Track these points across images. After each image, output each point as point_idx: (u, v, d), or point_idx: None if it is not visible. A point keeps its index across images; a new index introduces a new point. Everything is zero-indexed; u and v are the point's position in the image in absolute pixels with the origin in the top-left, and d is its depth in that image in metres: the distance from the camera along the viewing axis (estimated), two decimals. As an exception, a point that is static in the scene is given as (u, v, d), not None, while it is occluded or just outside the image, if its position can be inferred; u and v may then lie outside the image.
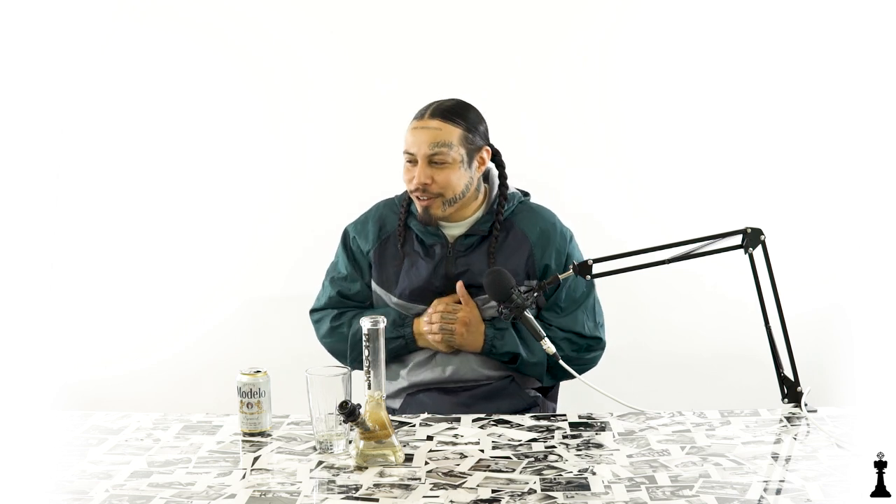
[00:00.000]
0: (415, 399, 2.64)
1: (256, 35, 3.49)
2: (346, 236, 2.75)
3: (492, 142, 2.66)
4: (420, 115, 2.59)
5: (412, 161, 2.57)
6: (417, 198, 2.59)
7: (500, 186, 2.66)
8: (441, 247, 2.64)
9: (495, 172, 2.69)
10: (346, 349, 2.69)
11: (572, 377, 2.60)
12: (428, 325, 2.60)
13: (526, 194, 2.75)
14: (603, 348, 2.68)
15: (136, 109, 3.52)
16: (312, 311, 2.78)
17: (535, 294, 2.42)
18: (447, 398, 2.61)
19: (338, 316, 2.71)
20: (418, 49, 3.47)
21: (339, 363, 2.67)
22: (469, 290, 2.60)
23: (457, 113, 2.58)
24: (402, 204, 2.69)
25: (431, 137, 2.54)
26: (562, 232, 2.68)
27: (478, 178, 2.63)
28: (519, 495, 1.91)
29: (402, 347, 2.64)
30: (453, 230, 2.65)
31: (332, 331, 2.71)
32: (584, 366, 2.65)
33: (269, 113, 3.54)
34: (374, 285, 2.70)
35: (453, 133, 2.55)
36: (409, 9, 3.46)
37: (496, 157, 2.68)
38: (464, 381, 2.64)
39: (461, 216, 2.64)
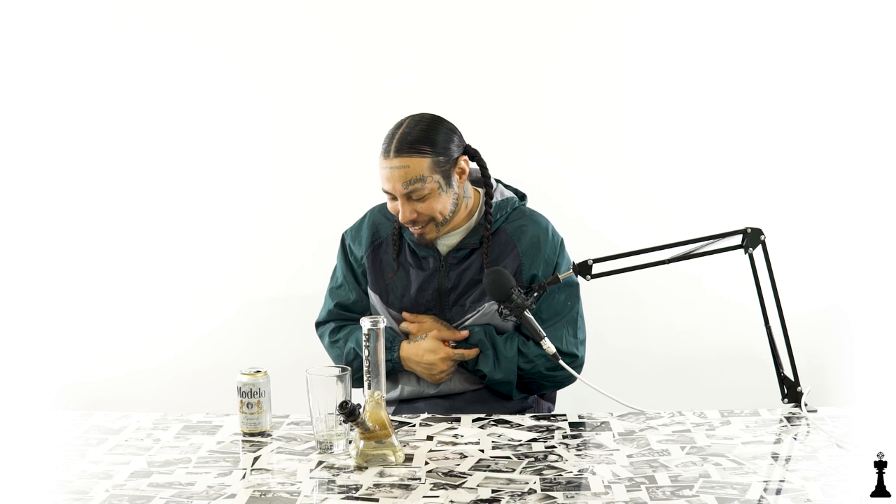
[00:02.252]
0: (410, 406, 2.63)
1: (261, 36, 3.48)
2: (343, 241, 2.73)
3: (471, 142, 2.58)
4: (385, 153, 2.48)
5: (392, 197, 2.52)
6: (410, 227, 2.55)
7: (485, 193, 2.59)
8: (434, 259, 2.60)
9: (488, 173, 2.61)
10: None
11: (545, 389, 2.63)
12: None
13: (522, 197, 2.69)
14: (580, 366, 2.60)
15: (136, 110, 3.51)
16: (317, 325, 2.75)
17: (536, 294, 2.42)
18: (442, 402, 2.60)
19: (336, 330, 2.69)
20: (418, 50, 3.47)
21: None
22: (463, 301, 2.58)
23: (420, 140, 2.47)
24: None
25: (402, 176, 2.46)
26: (553, 240, 2.61)
27: (463, 186, 2.57)
28: (519, 495, 1.91)
29: (389, 371, 2.58)
30: (446, 239, 2.60)
31: (333, 345, 2.68)
32: (559, 384, 2.62)
33: (272, 113, 3.53)
34: (370, 292, 2.67)
35: (422, 165, 2.46)
36: (410, 10, 3.45)
37: (475, 157, 2.58)
38: (455, 392, 2.62)
39: (453, 225, 2.59)
